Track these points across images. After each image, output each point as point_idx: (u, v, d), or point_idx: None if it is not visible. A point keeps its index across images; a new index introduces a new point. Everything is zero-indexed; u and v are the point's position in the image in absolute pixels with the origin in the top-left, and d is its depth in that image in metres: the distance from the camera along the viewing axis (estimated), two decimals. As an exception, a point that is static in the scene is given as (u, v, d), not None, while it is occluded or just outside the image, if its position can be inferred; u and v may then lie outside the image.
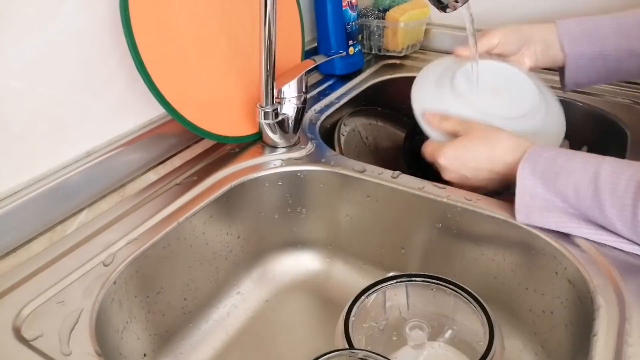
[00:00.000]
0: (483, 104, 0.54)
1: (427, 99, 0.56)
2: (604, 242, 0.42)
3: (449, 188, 0.52)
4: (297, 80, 0.58)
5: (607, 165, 0.41)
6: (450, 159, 0.50)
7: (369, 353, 0.35)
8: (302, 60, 0.71)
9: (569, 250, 0.43)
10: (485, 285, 0.52)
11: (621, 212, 0.39)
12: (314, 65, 0.61)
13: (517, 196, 0.45)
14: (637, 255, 0.41)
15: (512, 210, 0.48)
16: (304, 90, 0.59)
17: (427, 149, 0.53)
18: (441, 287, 0.45)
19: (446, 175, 0.52)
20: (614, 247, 0.42)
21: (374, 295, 0.44)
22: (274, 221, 0.60)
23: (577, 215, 0.43)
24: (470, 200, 0.50)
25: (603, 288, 0.39)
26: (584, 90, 0.74)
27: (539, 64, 0.60)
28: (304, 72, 0.59)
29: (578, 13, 0.80)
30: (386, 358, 0.34)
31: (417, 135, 0.60)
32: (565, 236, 0.44)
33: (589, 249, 0.43)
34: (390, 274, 0.46)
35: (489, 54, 0.60)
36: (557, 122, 0.57)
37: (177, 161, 0.58)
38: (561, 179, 0.42)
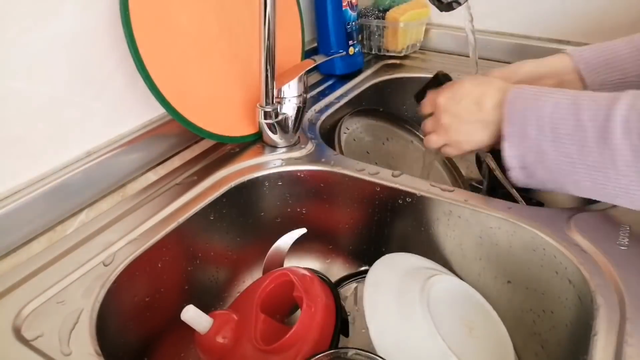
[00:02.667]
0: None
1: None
2: (563, 177, 0.43)
3: (450, 189, 0.52)
4: (297, 80, 0.58)
5: (584, 93, 0.42)
6: (445, 100, 0.51)
7: (359, 351, 0.35)
8: (302, 60, 0.71)
9: (569, 250, 0.43)
10: (485, 285, 0.52)
11: (596, 112, 0.39)
12: (314, 65, 0.61)
13: (502, 125, 0.45)
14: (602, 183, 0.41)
15: (512, 210, 0.48)
16: (304, 90, 0.59)
17: (429, 96, 0.55)
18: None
19: (444, 120, 0.51)
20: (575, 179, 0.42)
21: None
22: (274, 221, 0.60)
23: (549, 138, 0.42)
24: (471, 200, 0.50)
25: (603, 288, 0.39)
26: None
27: None
28: (304, 72, 0.59)
29: (577, 12, 0.80)
30: (378, 356, 0.34)
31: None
32: (566, 236, 0.44)
33: (590, 249, 0.43)
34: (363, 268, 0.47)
35: None
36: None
37: (177, 161, 0.58)
38: (543, 97, 0.43)
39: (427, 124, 0.55)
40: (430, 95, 0.55)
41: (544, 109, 0.43)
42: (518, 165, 0.45)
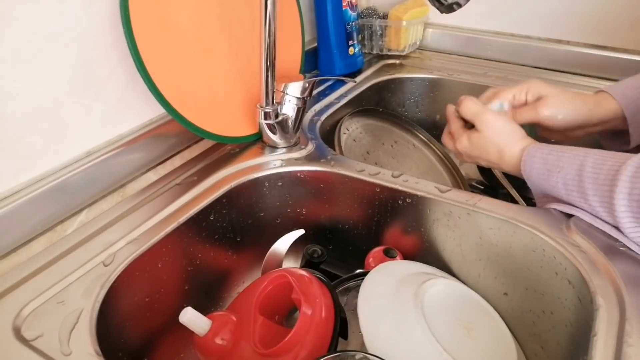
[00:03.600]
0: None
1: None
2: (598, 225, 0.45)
3: (450, 190, 0.52)
4: (303, 82, 0.58)
5: (591, 158, 0.44)
6: (465, 148, 0.56)
7: (366, 354, 0.35)
8: (301, 60, 0.71)
9: (569, 251, 0.43)
10: (485, 286, 0.52)
11: (601, 199, 0.42)
12: (321, 79, 0.62)
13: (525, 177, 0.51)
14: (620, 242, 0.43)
15: (512, 211, 0.48)
16: (307, 93, 0.59)
17: (445, 138, 0.60)
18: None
19: (462, 159, 0.58)
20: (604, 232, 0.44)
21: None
22: (273, 221, 0.60)
23: (567, 199, 0.47)
24: (471, 201, 0.50)
25: (603, 288, 0.39)
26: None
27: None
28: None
29: (577, 12, 0.80)
30: (381, 359, 0.34)
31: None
32: (566, 236, 0.44)
33: (589, 249, 0.43)
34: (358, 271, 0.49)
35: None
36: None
37: (177, 161, 0.58)
38: (552, 175, 0.46)
39: (446, 138, 0.60)
40: (446, 138, 0.60)
41: (557, 190, 0.46)
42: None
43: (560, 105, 0.56)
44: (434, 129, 0.86)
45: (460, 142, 0.56)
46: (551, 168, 0.46)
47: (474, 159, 0.56)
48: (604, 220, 0.44)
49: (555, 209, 0.48)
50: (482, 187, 0.75)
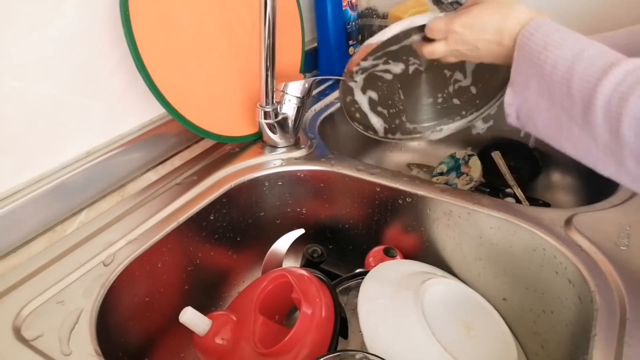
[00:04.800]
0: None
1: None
2: (551, 138, 0.43)
3: (450, 189, 0.52)
4: (303, 82, 0.58)
5: (595, 48, 0.40)
6: (464, 27, 0.48)
7: (366, 354, 0.35)
8: (301, 60, 0.71)
9: (569, 250, 0.43)
10: (485, 285, 0.52)
11: (585, 85, 0.39)
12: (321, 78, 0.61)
13: (511, 70, 0.45)
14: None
15: (512, 210, 0.48)
16: (306, 93, 0.59)
17: (439, 23, 0.50)
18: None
19: (458, 45, 0.49)
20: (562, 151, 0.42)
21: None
22: (273, 221, 0.60)
23: (546, 96, 0.42)
24: (471, 200, 0.50)
25: (603, 288, 0.39)
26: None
27: None
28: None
29: (577, 12, 0.80)
30: (381, 358, 0.34)
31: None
32: (566, 236, 0.44)
33: (589, 249, 0.43)
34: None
35: None
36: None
37: (177, 161, 0.58)
38: (546, 50, 0.42)
39: (438, 48, 0.51)
40: (441, 21, 0.50)
41: (544, 66, 0.42)
42: (514, 114, 0.46)
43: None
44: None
45: (461, 13, 0.48)
46: (550, 43, 0.42)
47: (472, 36, 0.48)
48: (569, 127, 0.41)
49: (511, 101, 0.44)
50: (487, 190, 0.74)
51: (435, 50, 0.51)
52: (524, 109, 0.45)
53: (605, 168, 0.40)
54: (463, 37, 0.49)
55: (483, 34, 0.47)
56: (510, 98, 0.45)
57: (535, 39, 0.43)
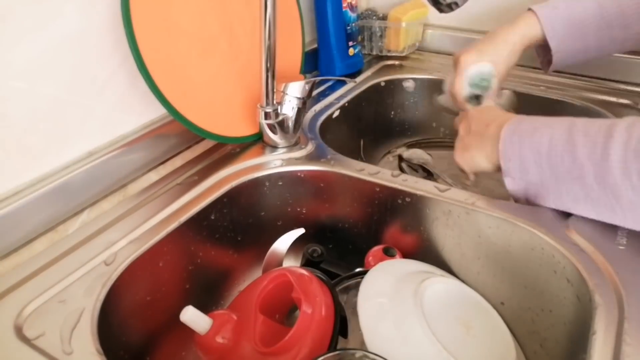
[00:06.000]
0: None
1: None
2: (568, 209, 0.44)
3: (448, 189, 0.52)
4: (304, 82, 0.58)
5: (581, 119, 0.43)
6: (473, 113, 0.54)
7: (366, 353, 0.35)
8: (302, 61, 0.71)
9: (568, 249, 0.43)
10: (484, 284, 0.52)
11: (592, 150, 0.40)
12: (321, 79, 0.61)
13: (500, 161, 0.47)
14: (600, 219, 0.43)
15: (511, 209, 0.48)
16: (307, 94, 0.59)
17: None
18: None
19: (461, 130, 0.55)
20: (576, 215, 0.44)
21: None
22: (274, 221, 0.61)
23: (548, 174, 0.44)
24: (470, 200, 0.50)
25: (602, 287, 0.39)
26: (583, 92, 0.74)
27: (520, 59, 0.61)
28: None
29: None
30: (383, 358, 0.35)
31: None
32: (564, 235, 0.44)
33: (588, 248, 0.43)
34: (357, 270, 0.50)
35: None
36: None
37: (178, 161, 0.59)
38: (538, 132, 0.44)
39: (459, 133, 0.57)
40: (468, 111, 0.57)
41: (540, 145, 0.43)
42: (523, 199, 0.48)
43: (476, 49, 0.60)
44: (433, 131, 0.87)
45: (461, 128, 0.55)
46: (539, 126, 0.44)
47: (468, 130, 0.53)
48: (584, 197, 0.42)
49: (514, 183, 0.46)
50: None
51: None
52: (531, 192, 0.46)
53: (636, 224, 0.40)
54: (467, 125, 0.54)
55: (479, 120, 0.52)
56: (512, 185, 0.47)
57: (522, 126, 0.46)
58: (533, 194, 0.46)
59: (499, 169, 0.49)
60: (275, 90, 0.57)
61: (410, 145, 0.85)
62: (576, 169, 0.41)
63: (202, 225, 0.52)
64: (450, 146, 0.79)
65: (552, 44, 0.58)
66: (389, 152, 0.87)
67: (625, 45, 0.59)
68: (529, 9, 0.60)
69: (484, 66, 0.60)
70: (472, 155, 0.52)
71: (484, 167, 0.51)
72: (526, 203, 0.48)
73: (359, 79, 0.82)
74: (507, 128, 0.47)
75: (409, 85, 0.67)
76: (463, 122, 0.55)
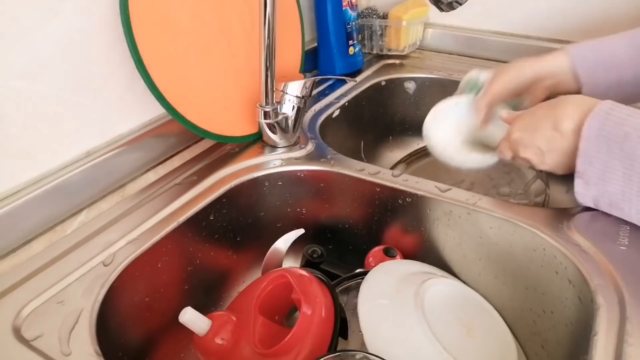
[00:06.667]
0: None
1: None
2: None
3: (449, 190, 0.52)
4: (303, 82, 0.58)
5: None
6: (520, 131, 0.47)
7: (366, 354, 0.35)
8: (301, 60, 0.71)
9: (570, 250, 0.43)
10: (485, 285, 0.52)
11: None
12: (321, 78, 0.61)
13: (577, 160, 0.42)
14: None
15: (512, 210, 0.48)
16: (307, 93, 0.59)
17: (503, 144, 0.51)
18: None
19: (524, 153, 0.48)
20: None
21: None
22: (273, 221, 0.60)
23: (637, 188, 0.39)
24: (471, 200, 0.50)
25: (603, 287, 0.39)
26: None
27: (551, 96, 0.52)
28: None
29: (577, 12, 0.80)
30: (381, 358, 0.34)
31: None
32: (566, 236, 0.44)
33: (590, 249, 0.43)
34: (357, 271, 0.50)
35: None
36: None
37: (177, 161, 0.58)
38: (631, 140, 0.38)
39: (504, 148, 0.50)
40: (503, 138, 0.51)
41: (634, 154, 0.38)
42: (591, 203, 0.43)
43: (506, 73, 0.55)
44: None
45: (512, 131, 0.48)
46: (631, 131, 0.38)
47: (531, 136, 0.46)
48: None
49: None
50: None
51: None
52: (604, 199, 0.42)
53: None
54: (523, 142, 0.47)
55: (540, 130, 0.45)
56: (583, 189, 0.43)
57: (610, 125, 0.40)
58: (607, 202, 0.42)
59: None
60: (274, 89, 0.57)
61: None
62: None
63: (201, 225, 0.52)
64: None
65: (581, 74, 0.53)
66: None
67: None
68: (559, 49, 0.56)
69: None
70: (552, 162, 0.46)
71: (568, 170, 0.45)
72: (593, 206, 0.44)
73: (359, 78, 0.82)
74: (592, 123, 0.40)
75: (409, 86, 0.67)
76: (515, 142, 0.48)
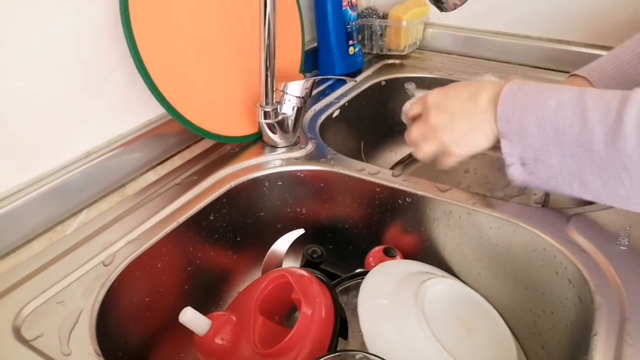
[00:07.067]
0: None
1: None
2: (571, 173, 0.40)
3: (449, 190, 0.52)
4: (304, 82, 0.58)
5: (593, 89, 0.40)
6: (437, 97, 0.47)
7: (366, 354, 0.35)
8: (301, 60, 0.71)
9: (569, 250, 0.43)
10: (485, 285, 0.52)
11: (605, 114, 0.37)
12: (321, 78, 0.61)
13: (498, 124, 0.43)
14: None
15: (512, 210, 0.48)
16: (307, 93, 0.59)
17: (414, 106, 0.51)
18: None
19: (434, 120, 0.47)
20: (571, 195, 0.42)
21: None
22: (273, 221, 0.60)
23: (550, 137, 0.40)
24: (471, 200, 0.50)
25: (603, 288, 0.39)
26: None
27: None
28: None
29: (577, 12, 0.80)
30: (381, 358, 0.34)
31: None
32: (566, 236, 0.44)
33: (589, 248, 0.43)
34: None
35: None
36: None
37: (177, 161, 0.58)
38: (543, 95, 0.41)
39: (413, 131, 0.50)
40: (419, 97, 0.51)
41: (545, 107, 0.40)
42: (518, 162, 0.43)
43: None
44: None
45: (415, 128, 0.49)
46: (544, 89, 0.41)
47: (447, 104, 0.47)
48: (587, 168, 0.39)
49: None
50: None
51: (422, 150, 0.50)
52: (529, 154, 0.42)
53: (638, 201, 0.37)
54: (437, 104, 0.47)
55: (456, 97, 0.46)
56: (509, 148, 0.43)
57: (526, 89, 0.42)
58: (531, 157, 0.42)
59: (496, 143, 0.44)
60: (274, 89, 0.57)
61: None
62: (585, 133, 0.38)
63: (201, 225, 0.52)
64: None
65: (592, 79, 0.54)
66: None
67: None
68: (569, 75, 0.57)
69: None
70: (460, 130, 0.46)
71: (481, 146, 0.46)
72: (521, 171, 0.43)
73: (359, 78, 0.82)
74: (508, 90, 0.43)
75: (410, 87, 0.66)
76: (429, 104, 0.48)
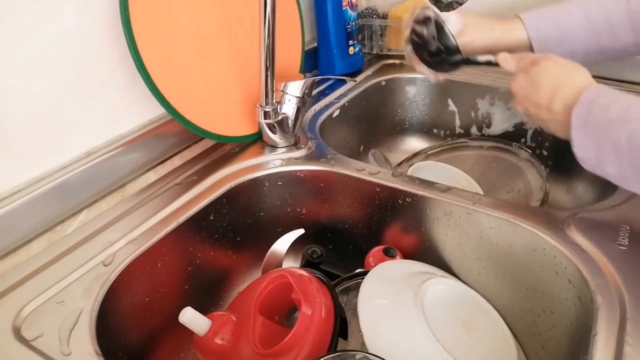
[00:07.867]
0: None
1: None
2: None
3: (449, 190, 0.52)
4: (304, 82, 0.58)
5: None
6: (519, 87, 0.49)
7: (366, 354, 0.35)
8: (301, 60, 0.71)
9: (570, 250, 0.43)
10: (485, 285, 0.52)
11: None
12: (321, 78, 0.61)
13: (574, 150, 0.44)
14: None
15: (512, 210, 0.48)
16: (307, 93, 0.59)
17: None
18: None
19: (514, 104, 0.50)
20: None
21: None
22: (273, 221, 0.60)
23: (630, 168, 0.40)
24: (471, 200, 0.50)
25: (603, 288, 0.39)
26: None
27: None
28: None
29: None
30: (381, 358, 0.34)
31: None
32: (566, 236, 0.44)
33: (589, 249, 0.43)
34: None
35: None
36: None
37: (177, 161, 0.58)
38: (614, 127, 0.40)
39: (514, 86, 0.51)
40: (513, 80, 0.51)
41: (619, 143, 0.40)
42: (611, 179, 0.44)
43: (474, 32, 0.59)
44: (434, 129, 0.86)
45: (515, 80, 0.50)
46: (615, 117, 0.40)
47: (525, 103, 0.49)
48: None
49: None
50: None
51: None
52: (611, 178, 0.43)
53: None
54: (520, 97, 0.49)
55: (536, 97, 0.47)
56: (587, 167, 0.44)
57: (595, 117, 0.42)
58: (616, 181, 0.43)
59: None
60: (274, 89, 0.57)
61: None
62: None
63: (201, 225, 0.52)
64: (457, 147, 0.77)
65: (535, 45, 0.57)
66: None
67: (616, 55, 0.57)
68: (516, 15, 0.60)
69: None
70: (542, 122, 0.48)
71: (555, 133, 0.48)
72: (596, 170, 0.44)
73: (359, 78, 0.82)
74: (576, 116, 0.43)
75: (410, 90, 0.66)
76: (514, 92, 0.50)
